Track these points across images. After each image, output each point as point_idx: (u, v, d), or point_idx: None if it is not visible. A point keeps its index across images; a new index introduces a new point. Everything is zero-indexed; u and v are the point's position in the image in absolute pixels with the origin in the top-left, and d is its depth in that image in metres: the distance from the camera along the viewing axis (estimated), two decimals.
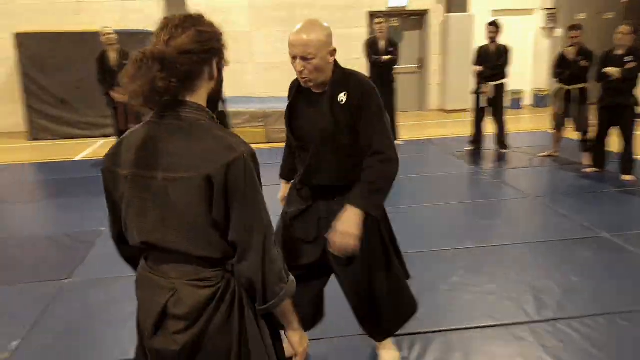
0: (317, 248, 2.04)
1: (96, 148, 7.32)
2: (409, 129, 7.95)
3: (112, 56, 6.03)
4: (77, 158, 6.93)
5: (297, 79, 1.95)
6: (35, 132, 8.26)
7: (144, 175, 1.19)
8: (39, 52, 7.95)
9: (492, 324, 2.67)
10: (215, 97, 1.26)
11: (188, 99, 1.20)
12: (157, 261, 1.25)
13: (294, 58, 1.83)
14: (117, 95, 5.75)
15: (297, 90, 2.00)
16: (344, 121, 1.89)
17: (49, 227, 4.35)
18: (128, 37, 6.73)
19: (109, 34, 6.01)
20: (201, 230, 1.18)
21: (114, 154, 1.25)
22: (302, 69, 1.82)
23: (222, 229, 1.19)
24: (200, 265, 1.21)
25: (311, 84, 1.89)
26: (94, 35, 6.56)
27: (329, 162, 1.95)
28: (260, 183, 1.21)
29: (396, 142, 6.44)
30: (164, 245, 1.21)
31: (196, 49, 1.16)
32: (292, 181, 2.17)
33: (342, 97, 1.89)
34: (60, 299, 3.05)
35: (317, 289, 2.22)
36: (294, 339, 1.33)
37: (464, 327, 2.64)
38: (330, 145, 1.92)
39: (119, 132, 5.94)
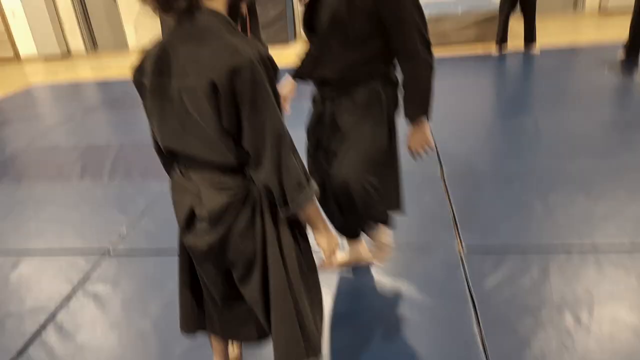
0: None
1: None
2: (555, 33, 6.88)
3: None
4: None
5: None
6: None
7: (161, 84, 1.18)
8: None
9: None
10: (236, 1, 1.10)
11: (204, 3, 1.13)
12: (185, 167, 1.30)
13: None
14: None
15: None
16: (360, 5, 1.60)
17: None
18: None
19: None
20: (215, 138, 1.17)
21: (140, 66, 1.23)
22: None
23: (235, 136, 1.17)
24: (220, 171, 1.23)
25: None
26: None
27: (336, 53, 1.71)
28: (274, 88, 1.14)
29: (533, 50, 6.00)
30: (185, 152, 1.24)
31: None
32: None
33: None
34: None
35: None
36: (322, 243, 1.36)
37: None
38: (340, 32, 1.66)
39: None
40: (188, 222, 1.30)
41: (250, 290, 1.35)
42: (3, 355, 1.98)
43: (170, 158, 1.33)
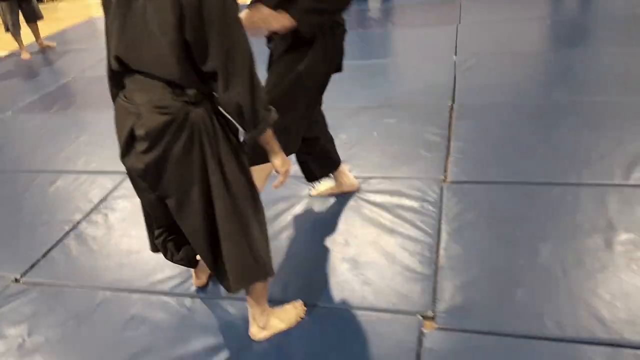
0: None
1: None
2: None
3: None
4: None
5: None
6: None
7: None
8: None
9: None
10: None
11: None
12: (128, 90, 1.34)
13: None
14: None
15: None
16: None
17: None
18: None
19: None
20: (169, 51, 1.21)
21: None
22: None
23: (194, 53, 1.21)
24: (164, 92, 1.28)
25: None
26: None
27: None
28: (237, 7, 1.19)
29: None
30: (136, 64, 1.28)
31: None
32: None
33: None
34: None
35: None
36: (277, 162, 1.46)
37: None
38: None
39: None
40: (128, 143, 1.35)
41: (188, 222, 1.44)
42: (33, 253, 2.37)
43: (119, 76, 1.35)
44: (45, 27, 6.45)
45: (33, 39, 6.01)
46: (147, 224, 1.69)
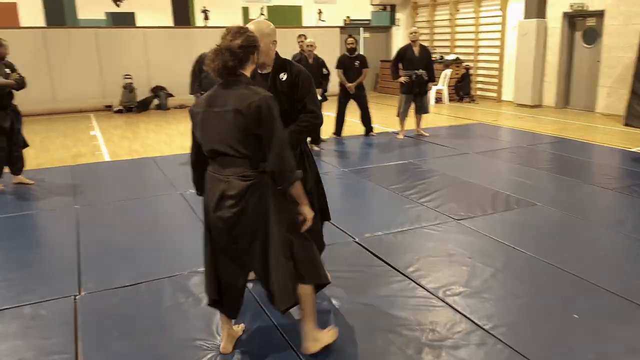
0: None
1: None
2: None
3: None
4: (635, 149, 6.70)
5: None
6: (630, 119, 7.54)
7: (211, 110, 2.13)
8: None
9: None
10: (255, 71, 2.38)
11: (240, 71, 2.15)
12: (219, 166, 2.14)
13: None
14: None
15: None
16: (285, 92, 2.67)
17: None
18: None
19: None
20: (245, 140, 2.08)
21: (196, 104, 2.23)
22: None
23: (258, 141, 2.09)
24: (244, 166, 2.10)
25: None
26: None
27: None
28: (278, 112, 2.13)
29: None
30: (224, 150, 2.10)
31: (247, 45, 2.12)
32: None
33: (283, 76, 2.69)
34: None
35: None
36: (305, 211, 2.22)
37: None
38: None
39: None
40: (218, 202, 2.11)
41: (251, 256, 2.18)
42: None
43: (208, 160, 2.18)
44: None
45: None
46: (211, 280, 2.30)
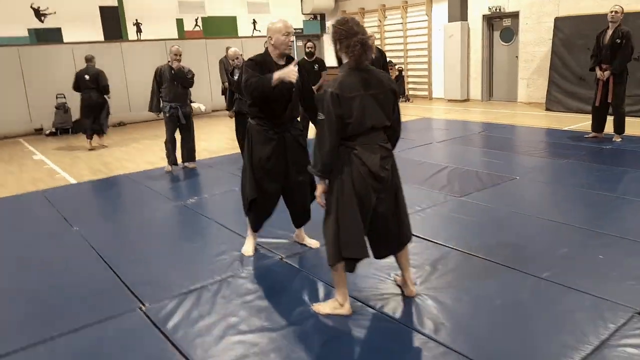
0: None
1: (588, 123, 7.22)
2: None
3: (608, 33, 6.26)
4: (566, 128, 7.71)
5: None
6: (550, 104, 9.37)
7: (368, 93, 2.50)
8: (571, 34, 8.99)
9: None
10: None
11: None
12: (367, 139, 2.52)
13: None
14: (599, 73, 6.30)
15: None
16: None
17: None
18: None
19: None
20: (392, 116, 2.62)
21: (339, 88, 2.45)
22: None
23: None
24: (384, 136, 2.60)
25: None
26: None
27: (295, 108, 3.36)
28: None
29: None
30: (380, 125, 2.55)
31: None
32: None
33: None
34: None
35: None
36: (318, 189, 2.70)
37: None
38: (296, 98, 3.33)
39: (593, 107, 6.56)
40: (382, 165, 2.52)
41: (388, 207, 2.63)
42: None
43: (362, 134, 2.50)
44: None
45: None
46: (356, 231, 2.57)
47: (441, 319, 2.61)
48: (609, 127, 6.53)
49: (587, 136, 6.69)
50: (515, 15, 10.40)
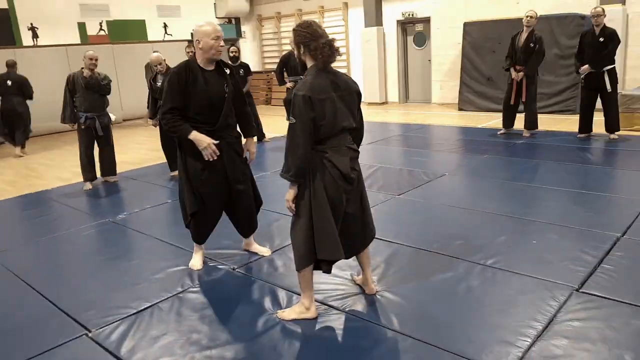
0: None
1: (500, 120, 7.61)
2: None
3: (523, 36, 6.68)
4: (480, 126, 8.23)
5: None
6: (462, 104, 10.02)
7: (337, 95, 2.51)
8: (478, 38, 9.68)
9: None
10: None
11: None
12: (336, 141, 2.53)
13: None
14: (514, 73, 6.73)
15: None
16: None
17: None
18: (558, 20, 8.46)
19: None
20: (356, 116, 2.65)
21: (310, 90, 2.42)
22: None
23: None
24: (349, 137, 2.63)
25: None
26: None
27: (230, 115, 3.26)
28: None
29: None
30: (349, 126, 2.58)
31: None
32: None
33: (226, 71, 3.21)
34: None
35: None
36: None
37: None
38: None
39: (506, 105, 7.00)
40: (351, 167, 2.56)
41: (354, 207, 2.65)
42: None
43: (332, 136, 2.50)
44: None
45: None
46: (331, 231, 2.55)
47: (404, 312, 2.67)
48: (518, 123, 7.11)
49: (499, 132, 7.22)
50: (427, 21, 10.98)
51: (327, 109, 2.44)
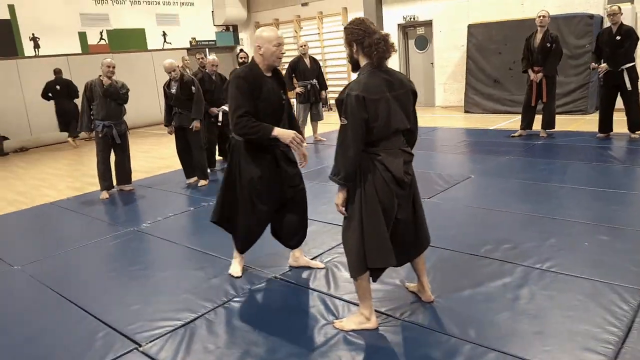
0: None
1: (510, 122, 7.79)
2: None
3: (538, 37, 6.61)
4: (492, 128, 8.20)
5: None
6: (468, 106, 10.01)
7: (392, 94, 2.39)
8: (483, 39, 9.67)
9: None
10: None
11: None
12: (389, 143, 2.42)
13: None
14: (532, 75, 6.71)
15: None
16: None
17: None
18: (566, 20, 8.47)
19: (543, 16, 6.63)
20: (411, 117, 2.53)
21: (364, 90, 2.32)
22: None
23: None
24: (403, 139, 2.52)
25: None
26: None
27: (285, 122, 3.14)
28: None
29: None
30: (403, 128, 2.47)
31: None
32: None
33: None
34: None
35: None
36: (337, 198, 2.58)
37: None
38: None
39: (526, 106, 6.91)
40: (405, 170, 2.45)
41: (408, 210, 2.54)
42: None
43: (384, 139, 2.40)
44: None
45: None
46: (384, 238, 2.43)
47: (465, 320, 2.58)
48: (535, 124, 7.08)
49: (514, 134, 7.15)
50: (428, 24, 10.97)
51: (381, 109, 2.33)
